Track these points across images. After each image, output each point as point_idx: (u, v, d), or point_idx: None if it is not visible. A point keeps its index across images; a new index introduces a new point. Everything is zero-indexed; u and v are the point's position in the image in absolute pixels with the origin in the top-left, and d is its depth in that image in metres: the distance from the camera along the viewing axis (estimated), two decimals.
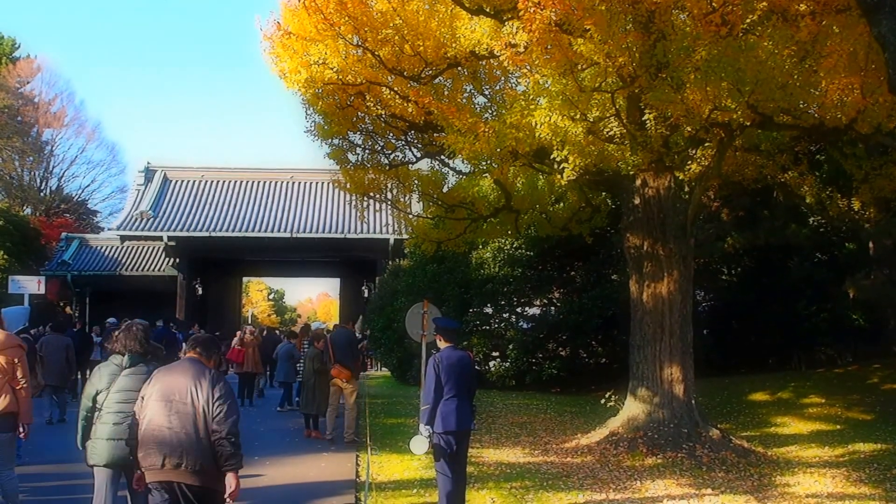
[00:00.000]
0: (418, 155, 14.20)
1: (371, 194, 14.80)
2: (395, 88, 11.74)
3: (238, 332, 20.27)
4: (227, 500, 5.33)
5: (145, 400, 5.41)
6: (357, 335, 20.82)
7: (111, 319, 20.13)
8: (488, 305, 21.82)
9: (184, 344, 8.80)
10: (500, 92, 12.71)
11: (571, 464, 11.03)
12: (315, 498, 9.10)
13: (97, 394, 6.25)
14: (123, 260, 36.50)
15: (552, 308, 22.13)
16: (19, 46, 48.70)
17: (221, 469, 5.28)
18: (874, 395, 16.24)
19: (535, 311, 22.26)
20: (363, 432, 12.90)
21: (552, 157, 9.97)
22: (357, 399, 13.31)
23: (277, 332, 27.99)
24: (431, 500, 8.85)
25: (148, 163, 35.51)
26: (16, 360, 7.18)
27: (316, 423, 13.48)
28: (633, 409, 12.28)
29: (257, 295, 78.09)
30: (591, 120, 9.94)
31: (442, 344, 8.03)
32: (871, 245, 18.60)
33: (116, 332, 6.66)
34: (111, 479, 6.24)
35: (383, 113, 12.55)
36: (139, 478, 5.41)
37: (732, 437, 12.08)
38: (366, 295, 34.01)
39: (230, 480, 5.30)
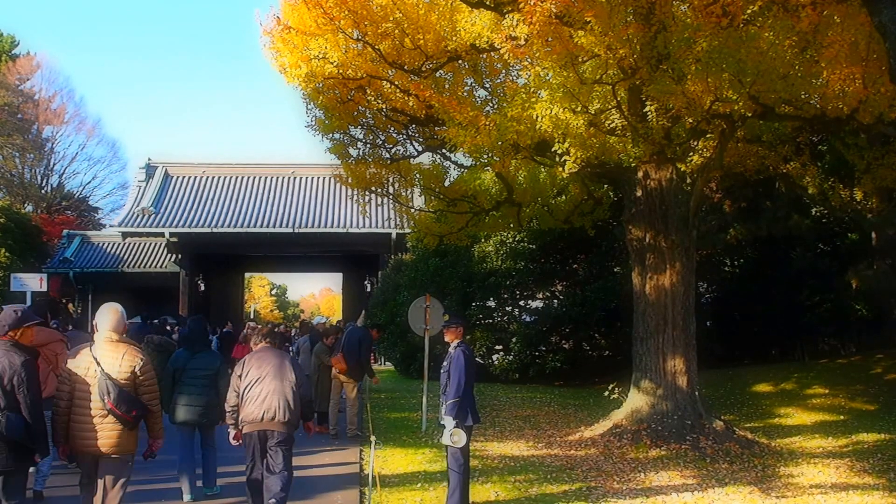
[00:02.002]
0: (419, 149, 14.19)
1: (373, 188, 14.80)
2: (396, 82, 11.72)
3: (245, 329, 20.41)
4: (308, 433, 8.00)
5: (243, 377, 7.52)
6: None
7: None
8: (491, 299, 21.83)
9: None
10: (501, 85, 12.67)
11: (575, 456, 11.05)
12: (319, 492, 9.11)
13: (175, 372, 8.69)
14: (125, 256, 36.50)
15: (555, 301, 22.14)
16: (18, 44, 48.63)
17: (303, 418, 7.69)
18: (877, 385, 16.24)
19: (537, 304, 22.27)
20: (366, 426, 12.91)
21: (553, 149, 9.95)
22: (359, 395, 13.29)
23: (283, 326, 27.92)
24: (436, 493, 8.87)
25: (149, 159, 35.44)
26: (57, 353, 8.13)
27: (321, 418, 13.49)
28: (636, 401, 12.29)
29: (259, 290, 78.09)
30: (593, 112, 9.91)
31: (456, 338, 8.12)
32: (873, 235, 18.54)
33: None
34: (188, 433, 8.73)
35: (384, 107, 12.52)
36: (237, 434, 7.58)
37: (736, 429, 12.09)
38: (368, 289, 34.02)
39: (308, 424, 7.95)
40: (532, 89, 10.17)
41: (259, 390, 7.40)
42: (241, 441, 7.58)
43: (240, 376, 7.56)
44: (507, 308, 22.10)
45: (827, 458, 10.94)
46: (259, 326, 22.05)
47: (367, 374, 13.28)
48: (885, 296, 18.37)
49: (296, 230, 31.70)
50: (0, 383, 5.73)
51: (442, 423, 7.98)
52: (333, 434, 12.82)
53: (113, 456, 6.10)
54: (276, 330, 8.62)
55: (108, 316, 6.26)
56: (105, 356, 6.11)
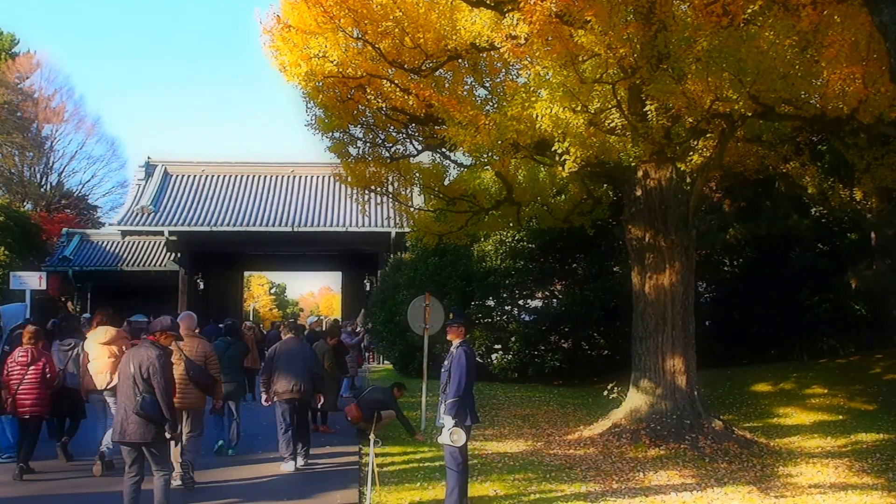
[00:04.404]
0: (419, 148, 14.17)
1: (372, 187, 14.79)
2: (396, 81, 11.70)
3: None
4: (317, 405, 11.26)
5: (275, 359, 10.45)
6: (364, 342, 20.87)
7: (86, 315, 20.47)
8: (490, 298, 21.80)
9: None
10: (501, 84, 12.66)
11: (574, 455, 11.05)
12: (320, 491, 9.12)
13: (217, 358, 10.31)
14: (124, 255, 36.50)
15: (554, 300, 22.11)
16: (18, 42, 48.61)
17: (316, 391, 10.62)
18: (876, 385, 16.23)
19: (537, 303, 22.25)
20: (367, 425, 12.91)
21: (553, 149, 9.94)
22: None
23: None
24: (435, 492, 8.87)
25: (148, 157, 35.38)
26: (123, 348, 9.60)
27: (324, 418, 13.49)
28: (635, 400, 12.29)
29: (259, 289, 78.10)
30: (593, 111, 9.91)
31: (458, 338, 8.12)
32: (872, 235, 18.55)
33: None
34: (229, 405, 11.04)
35: (384, 106, 12.52)
36: (268, 398, 10.48)
37: (735, 428, 12.09)
38: (368, 288, 34.00)
39: (318, 395, 10.84)
40: (532, 88, 10.17)
41: (286, 369, 10.29)
42: (270, 403, 10.48)
43: (272, 358, 10.54)
44: (507, 307, 22.07)
45: (826, 458, 10.94)
46: (255, 326, 22.26)
47: (407, 430, 12.22)
48: (884, 296, 18.37)
49: (295, 229, 31.68)
50: (140, 372, 7.31)
51: (441, 422, 7.98)
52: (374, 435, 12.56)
53: (194, 409, 9.18)
54: (298, 325, 11.87)
55: (186, 320, 9.44)
56: (186, 345, 9.03)
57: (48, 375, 9.75)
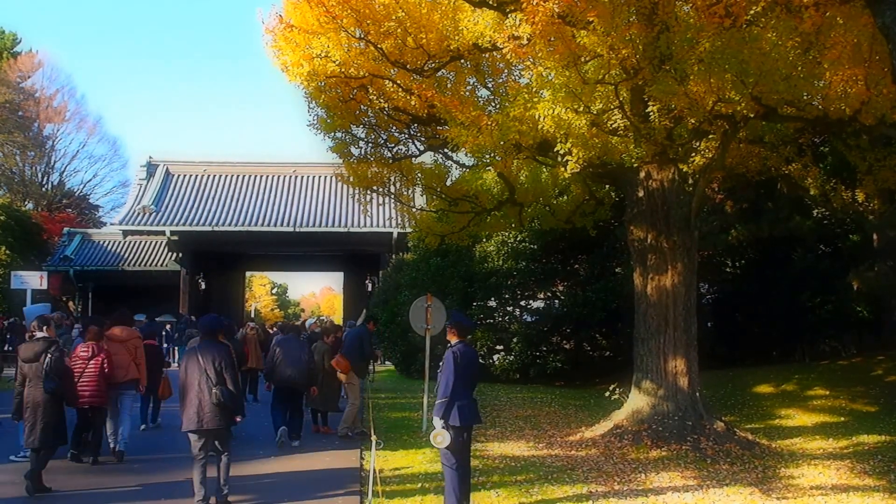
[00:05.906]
0: (421, 148, 14.17)
1: (374, 188, 14.79)
2: (398, 81, 11.71)
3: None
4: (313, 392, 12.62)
5: (276, 351, 12.22)
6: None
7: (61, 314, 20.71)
8: (492, 299, 21.82)
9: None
10: (504, 85, 12.66)
11: (576, 457, 11.04)
12: (320, 491, 9.12)
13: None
14: (126, 255, 36.54)
15: (556, 301, 22.13)
16: (20, 41, 48.76)
17: (310, 381, 12.32)
18: (878, 386, 16.22)
19: (539, 304, 22.27)
20: (367, 426, 12.89)
21: (556, 149, 9.94)
22: (360, 395, 13.33)
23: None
24: (436, 492, 8.87)
25: (150, 157, 35.41)
26: (137, 347, 11.14)
27: (325, 418, 13.48)
28: (637, 401, 12.28)
29: (260, 290, 78.10)
30: (595, 112, 9.90)
31: (453, 338, 8.09)
32: (875, 237, 18.54)
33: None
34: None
35: (386, 106, 12.52)
36: (268, 385, 12.57)
37: (737, 430, 12.08)
38: (369, 289, 34.03)
39: (313, 389, 12.56)
40: (534, 89, 10.17)
41: (285, 361, 11.99)
42: (269, 389, 12.49)
43: (273, 353, 12.27)
44: (508, 308, 22.09)
45: (827, 460, 10.93)
46: (258, 327, 22.29)
47: (373, 362, 13.94)
48: (886, 297, 18.37)
49: (297, 229, 31.71)
50: (213, 366, 8.13)
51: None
52: (342, 435, 12.73)
53: None
54: (288, 325, 14.41)
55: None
56: None
57: (106, 370, 10.46)
